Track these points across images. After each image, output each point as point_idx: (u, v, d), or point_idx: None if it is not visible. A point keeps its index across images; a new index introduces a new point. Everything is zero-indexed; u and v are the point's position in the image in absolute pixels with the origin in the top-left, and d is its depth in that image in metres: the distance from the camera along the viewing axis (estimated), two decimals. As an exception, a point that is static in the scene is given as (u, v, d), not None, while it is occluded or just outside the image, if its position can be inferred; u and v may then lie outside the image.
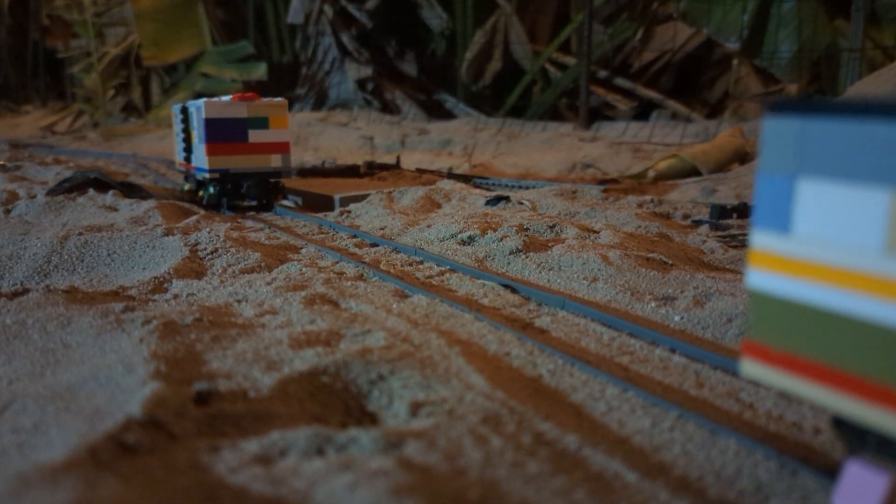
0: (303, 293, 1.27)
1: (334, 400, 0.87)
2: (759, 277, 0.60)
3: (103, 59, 7.56)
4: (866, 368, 0.53)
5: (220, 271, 1.51)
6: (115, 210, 2.23)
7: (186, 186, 2.69)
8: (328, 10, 6.40)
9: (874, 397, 0.52)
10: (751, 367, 0.62)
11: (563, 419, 0.80)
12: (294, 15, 6.65)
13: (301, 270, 1.46)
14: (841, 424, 0.60)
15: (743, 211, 2.10)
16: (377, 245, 1.78)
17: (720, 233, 1.90)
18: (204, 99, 2.34)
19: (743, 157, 3.32)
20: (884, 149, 0.50)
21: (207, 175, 2.32)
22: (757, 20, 4.61)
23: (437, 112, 6.05)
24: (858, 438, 0.58)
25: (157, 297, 1.34)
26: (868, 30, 4.00)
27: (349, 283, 1.36)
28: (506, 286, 1.36)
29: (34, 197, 2.41)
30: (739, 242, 1.78)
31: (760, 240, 0.60)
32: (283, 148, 2.36)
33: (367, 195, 2.46)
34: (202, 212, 2.21)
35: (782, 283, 0.58)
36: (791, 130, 0.57)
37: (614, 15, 5.24)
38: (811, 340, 0.56)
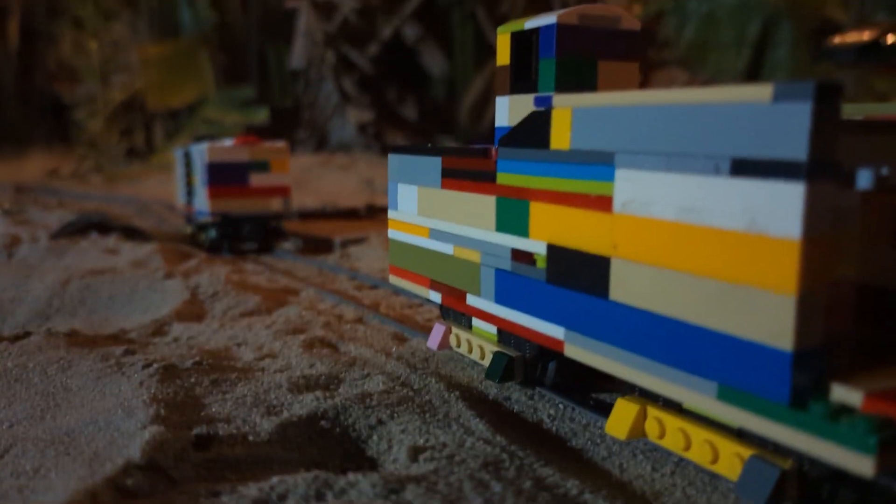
0: (302, 336, 1.27)
1: (334, 444, 0.87)
2: (391, 233, 1.19)
3: (109, 105, 7.66)
4: (420, 269, 1.11)
5: (220, 314, 1.51)
6: (117, 253, 2.24)
7: (188, 229, 2.71)
8: (330, 56, 6.51)
9: (423, 283, 1.11)
10: (392, 280, 1.20)
11: (564, 464, 0.80)
12: (296, 61, 6.76)
13: (301, 313, 1.46)
14: (441, 307, 1.15)
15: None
16: (377, 287, 1.79)
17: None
18: (207, 143, 2.37)
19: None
20: (413, 167, 1.10)
21: (209, 218, 2.33)
22: (752, 66, 4.69)
23: (438, 156, 6.09)
24: (446, 313, 1.15)
25: (157, 340, 1.34)
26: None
27: (348, 327, 1.37)
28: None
29: (37, 240, 2.42)
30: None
31: (390, 214, 1.18)
32: (283, 191, 2.39)
33: (367, 237, 2.48)
34: (203, 255, 2.23)
35: (396, 234, 1.17)
36: (394, 160, 1.16)
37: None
38: (410, 260, 1.13)
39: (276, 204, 2.38)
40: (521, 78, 0.90)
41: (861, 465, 0.54)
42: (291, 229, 2.61)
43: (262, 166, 2.34)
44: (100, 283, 1.68)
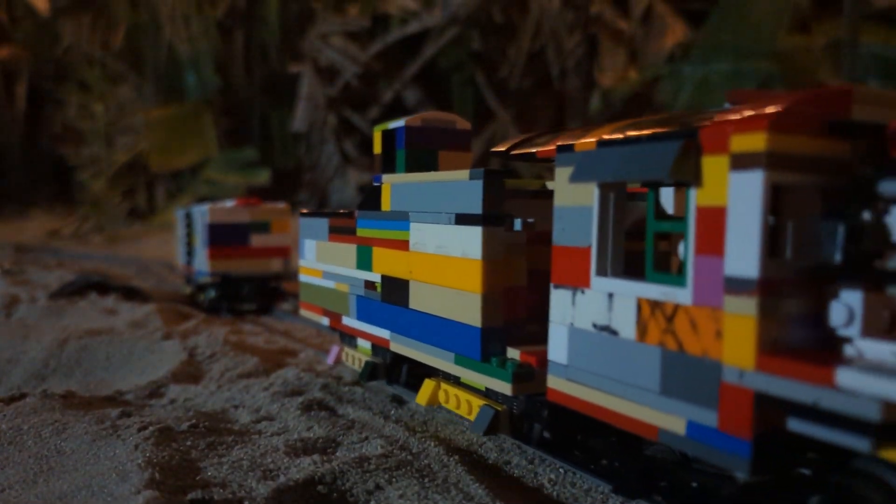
0: (300, 398, 1.26)
1: (331, 510, 0.85)
2: (300, 276, 1.52)
3: (112, 166, 7.74)
4: (317, 302, 1.44)
5: (217, 376, 1.50)
6: (116, 313, 2.23)
7: (187, 289, 2.71)
8: (331, 119, 6.61)
9: (318, 312, 1.45)
10: (301, 313, 1.52)
11: (565, 531, 0.79)
12: (299, 123, 6.86)
13: (299, 375, 1.45)
14: (340, 334, 1.45)
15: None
16: (376, 349, 1.78)
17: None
18: (208, 204, 2.39)
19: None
20: (313, 226, 1.45)
21: (209, 278, 2.34)
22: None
23: (437, 216, 6.13)
24: (343, 338, 1.44)
25: (153, 402, 1.33)
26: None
27: (347, 389, 1.36)
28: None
29: (36, 300, 2.42)
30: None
31: (300, 262, 1.51)
32: (283, 252, 2.39)
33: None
34: (202, 315, 2.22)
35: (303, 277, 1.50)
36: (303, 222, 1.51)
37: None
38: (312, 296, 1.47)
39: (276, 264, 2.38)
40: (387, 163, 1.23)
41: (506, 389, 0.90)
42: (291, 289, 2.61)
43: (263, 227, 2.36)
44: (97, 344, 1.67)
